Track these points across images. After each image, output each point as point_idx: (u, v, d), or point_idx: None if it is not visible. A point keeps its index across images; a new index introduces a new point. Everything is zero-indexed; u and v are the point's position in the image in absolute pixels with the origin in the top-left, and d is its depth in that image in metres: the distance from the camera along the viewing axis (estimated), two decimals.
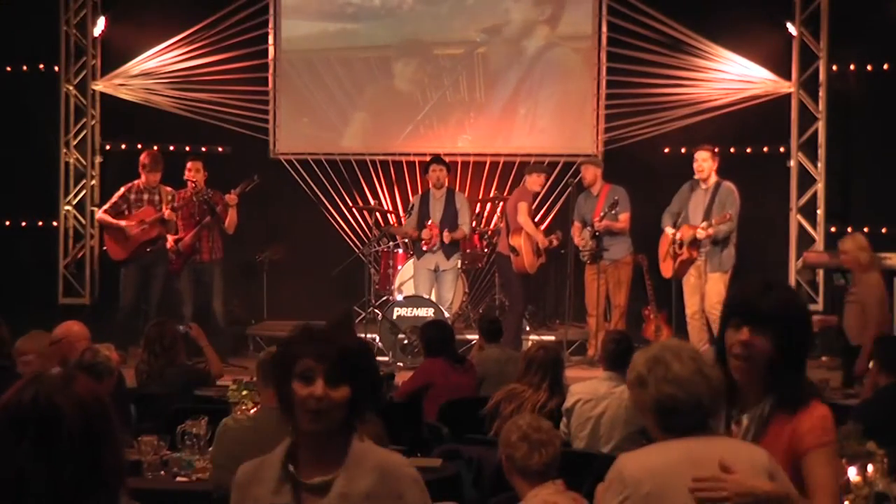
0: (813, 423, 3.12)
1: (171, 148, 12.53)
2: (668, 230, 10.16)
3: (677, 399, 2.95)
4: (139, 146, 11.98)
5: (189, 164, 10.71)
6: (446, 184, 11.16)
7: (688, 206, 10.16)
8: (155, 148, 12.18)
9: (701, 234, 9.89)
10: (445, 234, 10.98)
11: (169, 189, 10.91)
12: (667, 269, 10.26)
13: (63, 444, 1.97)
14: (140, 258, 10.82)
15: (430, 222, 11.00)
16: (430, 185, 11.18)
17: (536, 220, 11.82)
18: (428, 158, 11.72)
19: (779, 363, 3.15)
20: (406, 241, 11.52)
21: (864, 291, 8.73)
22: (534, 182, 11.07)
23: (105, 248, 11.87)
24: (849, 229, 11.64)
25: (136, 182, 10.93)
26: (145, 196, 10.86)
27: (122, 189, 10.98)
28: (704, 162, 10.13)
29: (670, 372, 2.97)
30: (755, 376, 3.18)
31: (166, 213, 10.73)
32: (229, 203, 10.61)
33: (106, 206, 11.04)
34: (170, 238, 10.86)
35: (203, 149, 12.42)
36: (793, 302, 3.26)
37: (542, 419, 4.33)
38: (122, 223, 10.73)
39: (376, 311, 11.20)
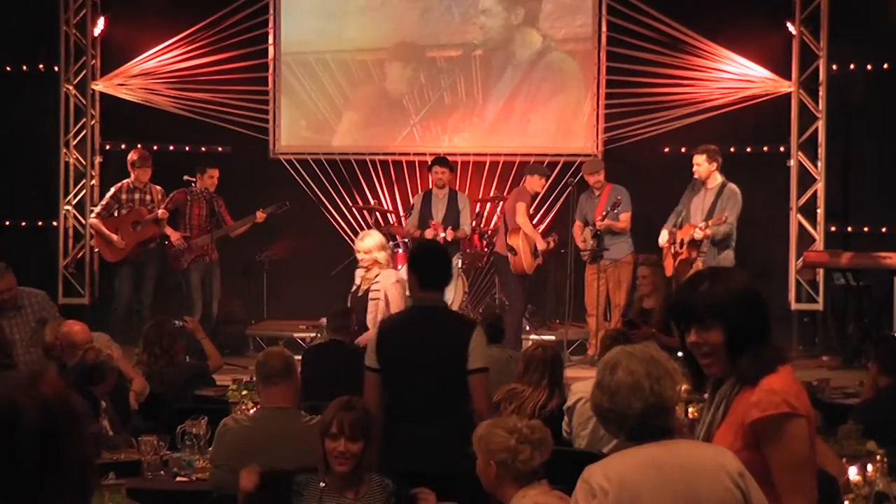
0: (760, 395, 3.11)
1: (171, 148, 12.55)
2: (664, 232, 10.14)
3: (602, 408, 2.97)
4: (139, 146, 11.97)
5: (211, 171, 10.93)
6: (447, 184, 11.17)
7: (689, 206, 10.14)
8: (155, 148, 12.20)
9: (698, 234, 9.87)
10: (448, 232, 10.98)
11: (159, 188, 10.92)
12: (668, 267, 10.25)
13: (21, 442, 1.99)
14: (135, 258, 10.85)
15: (433, 221, 11.00)
16: (433, 186, 11.19)
17: (536, 219, 11.83)
18: (428, 159, 11.72)
19: (736, 346, 3.17)
20: (406, 240, 11.52)
21: (386, 288, 8.93)
22: (534, 183, 11.07)
23: (97, 250, 11.89)
24: (849, 229, 11.67)
25: (125, 182, 10.94)
26: (136, 196, 10.87)
27: (113, 190, 11.00)
28: (699, 166, 10.09)
29: (605, 380, 2.97)
30: (724, 366, 3.21)
31: (160, 212, 10.75)
32: (257, 220, 10.98)
33: (98, 210, 11.06)
34: (175, 235, 10.87)
35: (203, 148, 12.43)
36: (725, 286, 3.24)
37: (529, 419, 4.33)
38: (115, 238, 10.74)
39: None
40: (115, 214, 10.89)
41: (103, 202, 11.07)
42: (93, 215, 11.28)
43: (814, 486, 3.14)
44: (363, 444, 4.38)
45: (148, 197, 10.89)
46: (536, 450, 4.10)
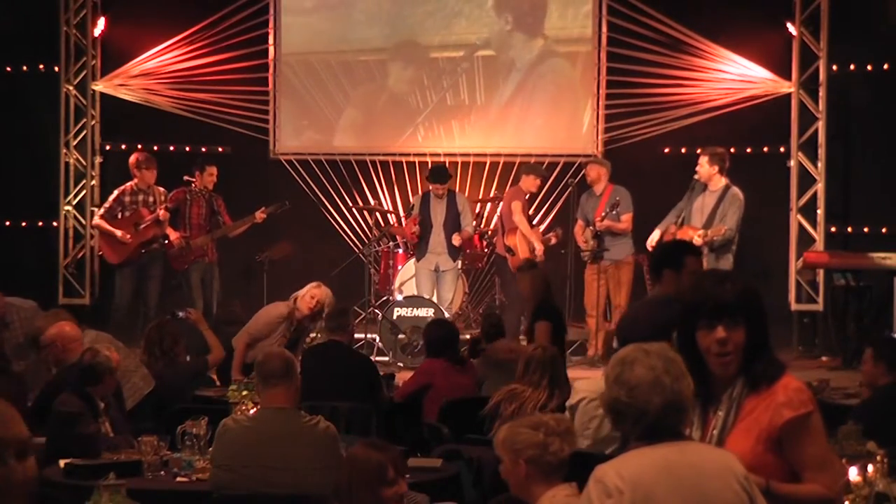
0: (789, 395, 3.18)
1: (171, 148, 12.55)
2: (656, 232, 10.06)
3: (621, 403, 2.93)
4: (139, 146, 11.98)
5: (210, 169, 10.92)
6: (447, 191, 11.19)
7: (690, 207, 10.08)
8: (155, 148, 12.21)
9: (697, 240, 9.78)
10: (455, 237, 10.98)
11: (162, 189, 10.92)
12: None
13: None
14: (137, 259, 10.84)
15: (413, 216, 11.00)
16: (431, 191, 11.21)
17: (537, 220, 11.84)
18: (428, 159, 11.72)
19: (751, 347, 3.21)
20: (406, 241, 11.53)
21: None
22: (528, 183, 11.09)
23: (100, 252, 11.89)
24: (849, 229, 11.67)
25: (128, 184, 10.93)
26: (140, 198, 10.86)
27: (116, 192, 10.98)
28: (700, 167, 10.04)
29: (624, 375, 2.94)
30: (737, 366, 3.23)
31: (161, 213, 10.74)
32: (256, 220, 10.99)
33: (101, 212, 11.04)
34: (174, 235, 10.87)
35: (203, 149, 12.43)
36: (747, 286, 3.29)
37: (549, 413, 4.30)
38: (118, 233, 10.72)
39: (376, 311, 11.20)
40: (119, 217, 10.86)
41: (106, 205, 11.03)
42: (96, 217, 11.24)
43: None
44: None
45: (151, 199, 10.88)
46: (564, 440, 4.10)
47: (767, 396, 3.17)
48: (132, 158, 11.06)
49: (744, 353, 3.21)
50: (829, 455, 3.27)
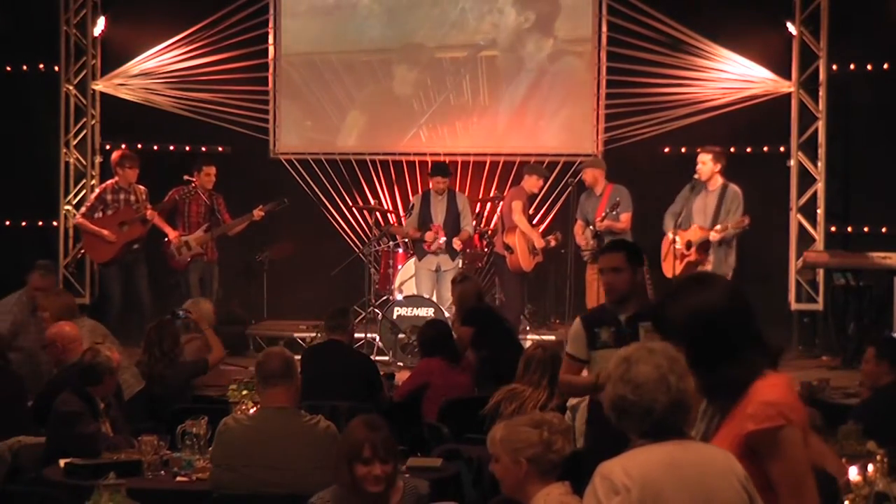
0: (755, 407, 3.06)
1: (171, 148, 12.55)
2: (669, 234, 10.09)
3: (626, 401, 2.92)
4: (139, 146, 11.98)
5: (207, 169, 10.92)
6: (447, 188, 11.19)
7: (691, 207, 10.08)
8: (155, 148, 12.20)
9: (715, 236, 9.80)
10: (455, 241, 10.99)
11: (143, 188, 10.89)
12: (668, 268, 10.19)
13: None
14: (122, 259, 10.82)
15: (434, 224, 11.01)
16: (432, 190, 11.20)
17: (536, 219, 11.84)
18: (428, 159, 11.70)
19: (699, 364, 3.08)
20: (406, 240, 11.53)
21: None
22: (531, 183, 11.10)
23: (84, 251, 11.89)
24: (849, 229, 11.66)
25: (109, 182, 10.93)
26: (122, 196, 10.84)
27: (98, 190, 11.00)
28: (703, 164, 10.04)
29: (630, 373, 2.93)
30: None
31: (148, 213, 10.74)
32: (254, 218, 10.97)
33: (83, 210, 11.04)
34: (172, 233, 10.88)
35: (203, 149, 12.43)
36: (681, 308, 3.16)
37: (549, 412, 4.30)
38: (105, 232, 10.71)
39: (376, 310, 11.21)
40: (100, 215, 10.83)
41: (87, 203, 11.05)
42: (77, 216, 11.21)
43: (815, 490, 3.12)
44: (393, 465, 4.20)
45: (133, 197, 10.84)
46: (566, 439, 4.11)
47: (744, 405, 3.10)
48: (114, 156, 11.04)
49: (697, 369, 3.06)
50: (802, 478, 3.07)
